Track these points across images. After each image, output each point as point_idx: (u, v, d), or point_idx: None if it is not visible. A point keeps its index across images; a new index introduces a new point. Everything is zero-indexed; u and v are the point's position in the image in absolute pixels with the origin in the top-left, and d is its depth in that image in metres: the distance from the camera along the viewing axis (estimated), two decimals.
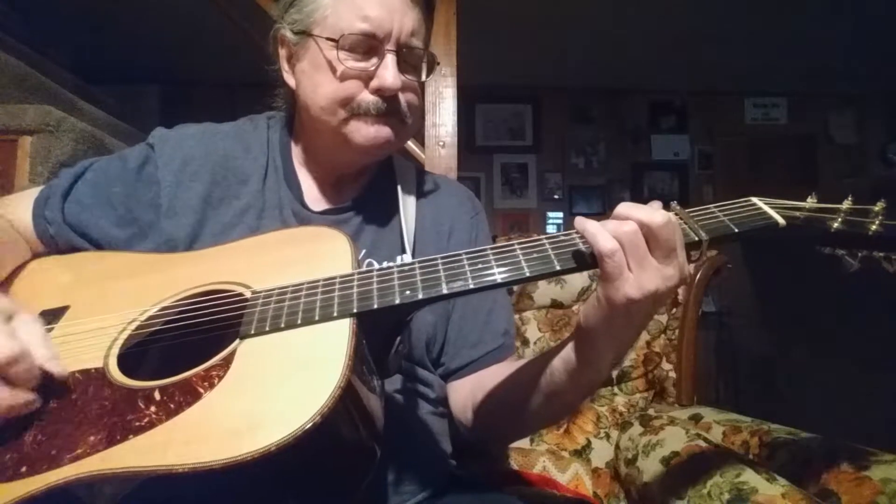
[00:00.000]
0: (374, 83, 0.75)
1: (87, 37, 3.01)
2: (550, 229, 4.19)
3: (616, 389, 1.38)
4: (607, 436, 1.29)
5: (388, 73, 0.75)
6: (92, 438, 0.51)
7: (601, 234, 0.57)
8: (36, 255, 0.81)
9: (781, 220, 0.62)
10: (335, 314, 0.57)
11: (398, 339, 0.64)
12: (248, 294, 0.63)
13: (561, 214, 4.27)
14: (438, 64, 0.85)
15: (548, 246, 0.61)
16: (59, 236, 0.80)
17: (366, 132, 0.77)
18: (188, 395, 0.53)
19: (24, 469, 0.51)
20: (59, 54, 2.26)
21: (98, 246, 0.80)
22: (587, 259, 0.59)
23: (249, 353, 0.56)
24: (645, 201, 0.59)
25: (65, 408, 0.55)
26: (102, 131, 1.58)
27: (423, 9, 0.80)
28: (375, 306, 0.57)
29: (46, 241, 0.81)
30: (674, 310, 1.39)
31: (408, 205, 0.87)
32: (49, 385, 0.56)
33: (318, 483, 0.54)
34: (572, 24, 3.32)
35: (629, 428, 1.21)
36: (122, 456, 0.49)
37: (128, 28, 3.20)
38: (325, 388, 0.49)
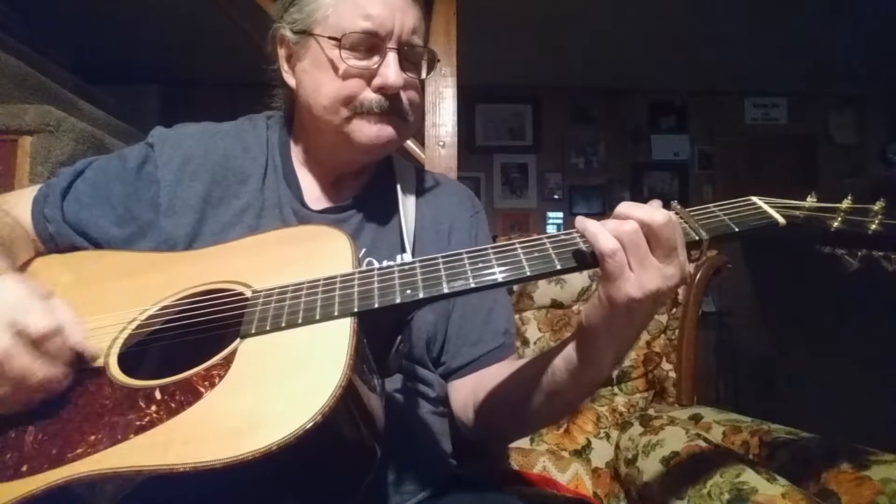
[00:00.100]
0: (376, 81, 0.76)
1: (87, 37, 3.00)
2: (550, 229, 4.18)
3: (616, 389, 1.38)
4: (607, 436, 1.29)
5: (391, 71, 0.75)
6: (93, 438, 0.51)
7: (602, 233, 0.57)
8: (36, 254, 0.81)
9: (781, 220, 0.62)
10: (336, 313, 0.57)
11: (399, 338, 0.64)
12: (248, 293, 0.63)
13: (561, 214, 4.27)
14: (439, 61, 0.85)
15: (548, 245, 0.61)
16: (59, 235, 0.80)
17: (368, 131, 0.77)
18: (189, 395, 0.53)
19: (24, 468, 0.51)
20: (59, 54, 2.26)
21: (97, 245, 0.80)
22: (588, 258, 0.59)
23: (250, 352, 0.56)
24: (645, 201, 0.59)
25: (65, 407, 0.55)
26: (102, 131, 1.58)
27: (422, 6, 0.80)
28: (376, 305, 0.57)
29: (46, 240, 0.81)
30: (674, 310, 1.39)
31: (407, 204, 0.87)
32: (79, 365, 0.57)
33: (318, 482, 0.54)
34: (572, 24, 3.32)
35: (629, 428, 1.21)
36: (122, 455, 0.49)
37: (128, 28, 3.20)
38: (326, 388, 0.49)
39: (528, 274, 0.59)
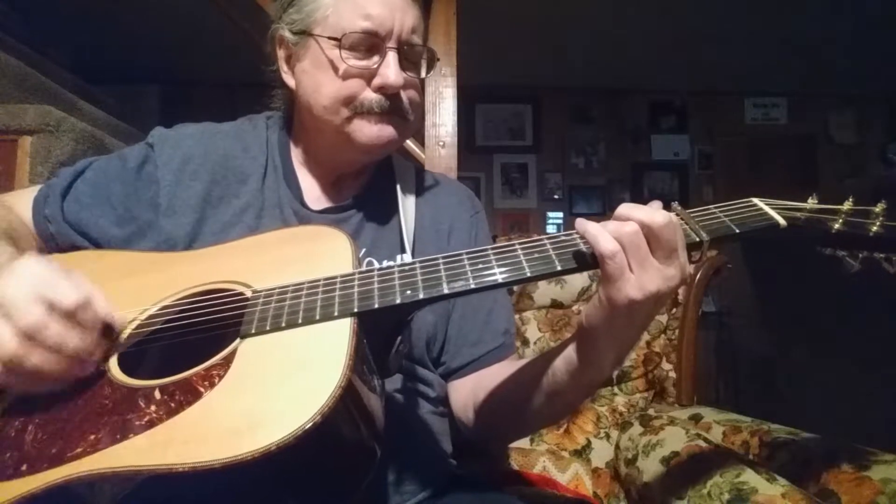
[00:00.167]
0: (376, 81, 0.76)
1: (87, 37, 3.01)
2: (550, 229, 4.19)
3: (616, 389, 1.38)
4: (607, 436, 1.29)
5: (391, 70, 0.75)
6: (92, 437, 0.51)
7: (602, 235, 0.57)
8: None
9: (782, 221, 0.62)
10: (336, 314, 0.56)
11: (399, 338, 0.64)
12: (248, 293, 0.63)
13: (561, 214, 4.27)
14: (438, 60, 0.85)
15: (549, 246, 0.61)
16: (59, 234, 0.80)
17: (369, 131, 0.77)
18: (188, 395, 0.53)
19: (24, 467, 0.51)
20: (59, 54, 2.26)
21: (97, 245, 0.80)
22: (588, 259, 0.59)
23: (250, 352, 0.55)
24: (645, 201, 0.59)
25: (65, 406, 0.55)
26: (102, 131, 1.58)
27: (421, 5, 0.80)
28: (376, 306, 0.57)
29: (46, 239, 0.81)
30: (674, 310, 1.39)
31: (407, 204, 0.87)
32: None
33: (318, 483, 0.54)
34: (572, 24, 3.32)
35: (629, 428, 1.21)
36: (122, 455, 0.49)
37: (128, 28, 3.21)
38: (326, 388, 0.49)
39: (528, 275, 0.59)
